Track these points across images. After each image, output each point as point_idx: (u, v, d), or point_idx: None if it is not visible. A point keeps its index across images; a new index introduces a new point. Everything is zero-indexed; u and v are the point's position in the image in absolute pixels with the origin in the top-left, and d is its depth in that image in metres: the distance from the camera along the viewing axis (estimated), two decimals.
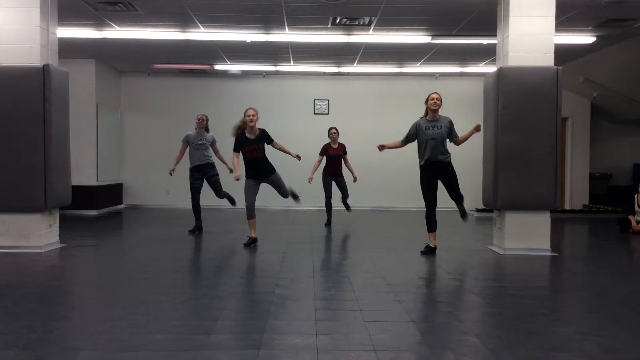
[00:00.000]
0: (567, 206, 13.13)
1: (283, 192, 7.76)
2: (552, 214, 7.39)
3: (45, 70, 7.02)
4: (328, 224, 9.93)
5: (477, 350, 3.61)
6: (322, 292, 5.14)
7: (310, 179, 9.69)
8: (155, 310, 4.57)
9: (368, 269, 6.29)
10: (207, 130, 8.95)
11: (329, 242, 8.25)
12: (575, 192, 13.31)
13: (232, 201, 9.18)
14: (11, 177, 7.02)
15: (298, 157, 7.79)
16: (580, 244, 9.16)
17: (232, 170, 8.09)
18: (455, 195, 7.26)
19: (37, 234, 7.13)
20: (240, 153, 7.53)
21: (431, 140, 6.91)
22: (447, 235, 9.33)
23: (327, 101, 13.57)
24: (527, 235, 7.25)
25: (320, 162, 9.77)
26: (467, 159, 13.13)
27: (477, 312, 4.65)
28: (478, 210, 12.33)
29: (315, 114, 13.48)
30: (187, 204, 11.43)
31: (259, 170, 7.52)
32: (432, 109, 6.96)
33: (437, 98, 6.96)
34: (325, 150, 9.72)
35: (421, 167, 7.06)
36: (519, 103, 7.11)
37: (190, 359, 3.41)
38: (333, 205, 9.95)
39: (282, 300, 4.83)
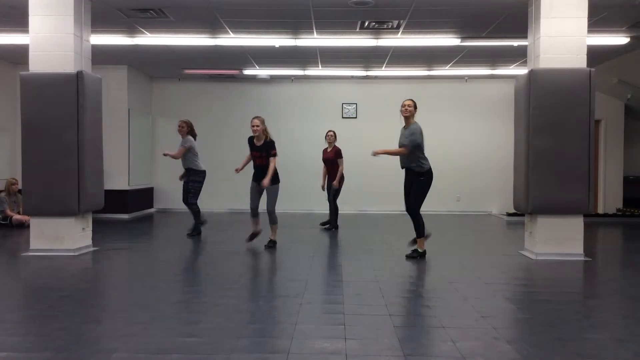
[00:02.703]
0: (600, 210, 12.88)
1: (270, 210, 7.75)
2: (585, 218, 7.26)
3: (79, 76, 7.16)
4: (324, 224, 10.10)
5: (510, 357, 3.56)
6: (351, 297, 5.13)
7: (322, 187, 9.86)
8: (186, 313, 4.62)
9: (396, 273, 6.27)
10: (192, 135, 9.02)
11: (356, 247, 8.23)
12: (609, 196, 13.05)
13: (199, 224, 9.13)
14: (46, 182, 7.16)
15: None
16: (614, 248, 8.98)
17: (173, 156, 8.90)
18: (408, 209, 7.08)
19: (71, 237, 7.27)
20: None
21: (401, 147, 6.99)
22: (477, 239, 9.24)
23: (355, 105, 13.56)
24: (560, 239, 7.14)
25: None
26: (497, 162, 13.04)
27: (509, 318, 4.60)
28: (509, 214, 12.19)
29: (343, 117, 13.47)
30: (217, 207, 11.60)
31: (261, 176, 7.69)
32: (403, 115, 7.00)
33: (407, 105, 6.94)
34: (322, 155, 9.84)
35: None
36: (551, 105, 7.01)
37: None
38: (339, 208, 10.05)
39: (311, 305, 4.83)
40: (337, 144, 9.76)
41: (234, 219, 11.59)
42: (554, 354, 3.60)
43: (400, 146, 6.97)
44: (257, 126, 7.66)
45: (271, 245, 7.89)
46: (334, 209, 9.86)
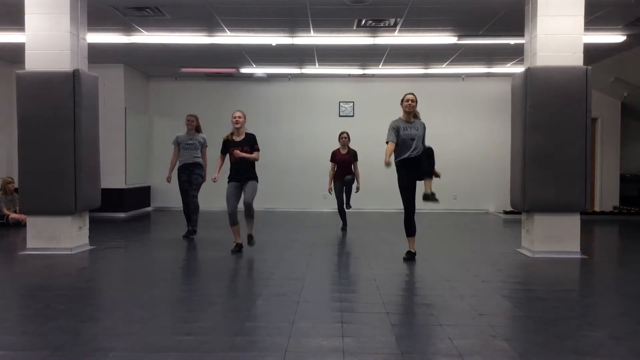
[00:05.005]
0: (597, 208, 12.91)
1: (248, 203, 7.33)
2: (582, 216, 7.28)
3: (75, 75, 7.14)
4: (344, 227, 9.78)
5: (507, 354, 3.57)
6: (348, 295, 5.13)
7: (330, 190, 9.63)
8: (183, 311, 4.62)
9: (394, 272, 6.27)
10: (198, 130, 8.85)
11: (353, 245, 8.24)
12: (606, 194, 13.09)
13: (192, 230, 8.79)
14: (42, 181, 7.15)
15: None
16: (610, 246, 9.00)
17: (205, 178, 8.61)
18: (428, 166, 6.71)
19: (68, 236, 7.26)
20: (227, 156, 7.42)
21: (410, 140, 6.71)
22: (474, 237, 9.25)
23: (352, 103, 13.56)
24: (557, 237, 7.15)
25: (333, 169, 9.58)
26: (494, 160, 13.05)
27: (506, 316, 4.60)
28: (506, 212, 12.21)
29: (340, 116, 13.48)
30: (214, 206, 11.57)
31: (240, 173, 7.32)
32: (406, 111, 6.79)
33: (412, 100, 6.77)
34: (334, 156, 9.58)
35: (399, 166, 6.82)
36: (548, 104, 7.02)
37: None
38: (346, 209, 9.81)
39: (308, 303, 4.83)
40: (334, 142, 9.71)
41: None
42: (551, 352, 3.61)
43: (412, 139, 6.70)
44: (240, 118, 7.32)
45: (252, 241, 7.54)
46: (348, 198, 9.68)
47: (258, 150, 7.38)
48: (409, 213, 6.87)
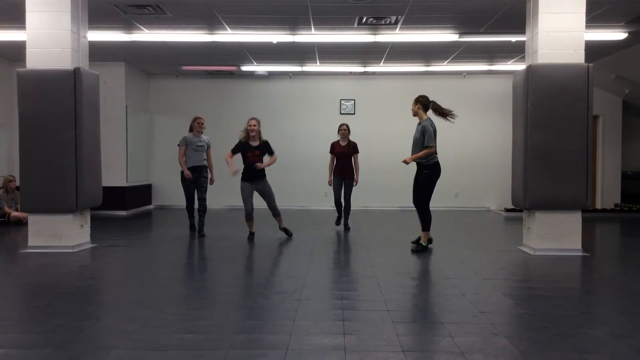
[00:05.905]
0: (598, 205, 12.90)
1: (273, 207, 8.31)
2: (583, 214, 7.27)
3: (76, 73, 7.14)
4: (338, 222, 9.59)
5: (508, 352, 3.57)
6: (350, 292, 5.14)
7: (329, 182, 9.47)
8: (184, 309, 4.62)
9: (395, 269, 6.27)
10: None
11: (354, 243, 8.24)
12: (607, 191, 13.08)
13: (198, 228, 8.84)
14: (44, 179, 7.15)
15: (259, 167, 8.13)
16: (612, 244, 8.99)
17: (213, 180, 9.04)
18: (416, 205, 7.45)
19: (69, 234, 7.26)
20: (239, 155, 8.11)
21: (413, 144, 7.34)
22: (475, 235, 9.25)
23: (353, 101, 13.55)
24: (558, 235, 7.15)
25: (333, 161, 9.40)
26: (495, 158, 13.04)
27: (507, 314, 4.60)
28: (507, 210, 12.20)
29: (341, 114, 13.45)
30: (216, 204, 11.60)
31: (253, 173, 8.03)
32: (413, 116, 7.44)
33: (412, 104, 7.42)
34: (333, 148, 9.38)
35: None
36: (549, 101, 7.01)
37: (220, 359, 3.44)
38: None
39: (309, 300, 4.83)
40: (335, 140, 9.64)
41: (232, 215, 11.59)
42: (552, 349, 3.61)
43: (413, 141, 7.30)
44: (255, 126, 8.02)
45: (289, 232, 8.52)
46: (348, 206, 9.46)
47: (273, 153, 8.28)
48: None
